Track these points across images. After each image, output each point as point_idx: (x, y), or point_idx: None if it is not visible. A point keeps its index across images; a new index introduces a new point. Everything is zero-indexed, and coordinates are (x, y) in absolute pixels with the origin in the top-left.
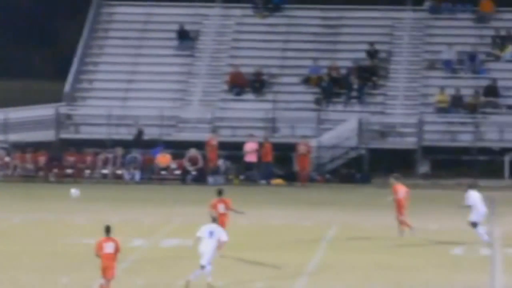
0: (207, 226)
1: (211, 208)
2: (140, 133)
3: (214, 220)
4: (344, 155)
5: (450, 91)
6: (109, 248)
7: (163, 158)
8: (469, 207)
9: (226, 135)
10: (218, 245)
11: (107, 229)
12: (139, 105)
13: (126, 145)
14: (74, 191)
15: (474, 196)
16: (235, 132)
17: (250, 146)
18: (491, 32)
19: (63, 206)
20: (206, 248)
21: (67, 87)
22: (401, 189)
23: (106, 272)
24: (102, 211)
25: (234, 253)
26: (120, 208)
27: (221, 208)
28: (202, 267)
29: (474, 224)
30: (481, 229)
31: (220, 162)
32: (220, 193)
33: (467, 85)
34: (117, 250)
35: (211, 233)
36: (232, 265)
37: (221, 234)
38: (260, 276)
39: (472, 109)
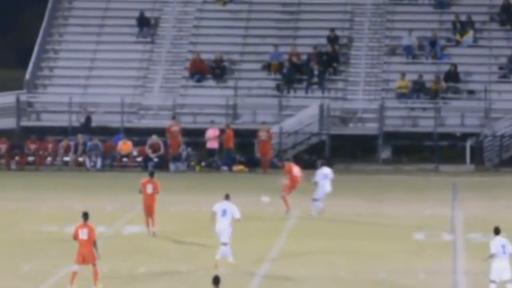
0: (221, 203)
1: (141, 186)
2: (88, 119)
3: (227, 196)
4: (306, 141)
5: (411, 77)
6: (83, 234)
7: (125, 145)
8: (316, 183)
9: (187, 122)
10: (232, 221)
11: (84, 215)
12: (100, 92)
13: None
14: (264, 198)
15: (322, 173)
16: (197, 119)
17: (211, 133)
18: (451, 18)
19: (25, 194)
20: (222, 226)
21: (27, 74)
22: (296, 168)
23: (86, 258)
24: (64, 199)
25: (197, 239)
26: (82, 196)
27: (149, 188)
28: (224, 244)
29: (315, 200)
30: (318, 204)
31: (182, 149)
32: (151, 174)
33: (427, 71)
34: (91, 236)
35: (224, 212)
36: (195, 251)
37: (235, 212)
38: (223, 262)
39: (433, 94)
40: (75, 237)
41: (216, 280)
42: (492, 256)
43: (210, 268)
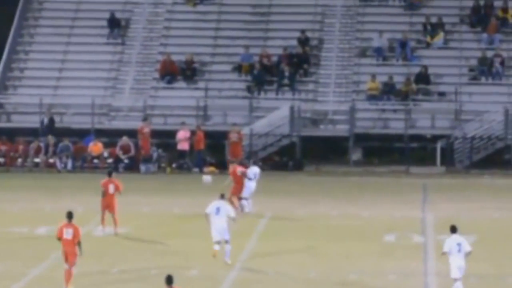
0: (215, 202)
1: (102, 187)
2: (51, 121)
3: (222, 196)
4: (276, 142)
5: (382, 79)
6: (68, 234)
7: (95, 147)
8: (249, 180)
9: (158, 123)
10: (229, 220)
11: (69, 215)
12: (70, 94)
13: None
14: (206, 178)
15: (252, 172)
16: (167, 120)
17: (182, 134)
18: (422, 19)
19: None
20: (218, 225)
21: None
22: (239, 169)
23: (67, 258)
24: (35, 200)
25: (167, 240)
26: (53, 197)
27: (111, 188)
28: (226, 241)
29: (241, 198)
30: (245, 202)
31: (153, 150)
32: (110, 174)
33: (398, 72)
34: (75, 236)
35: (218, 210)
36: (165, 253)
37: (229, 211)
38: (194, 263)
39: (404, 96)
40: (59, 237)
41: (169, 280)
42: (444, 253)
43: (181, 268)
